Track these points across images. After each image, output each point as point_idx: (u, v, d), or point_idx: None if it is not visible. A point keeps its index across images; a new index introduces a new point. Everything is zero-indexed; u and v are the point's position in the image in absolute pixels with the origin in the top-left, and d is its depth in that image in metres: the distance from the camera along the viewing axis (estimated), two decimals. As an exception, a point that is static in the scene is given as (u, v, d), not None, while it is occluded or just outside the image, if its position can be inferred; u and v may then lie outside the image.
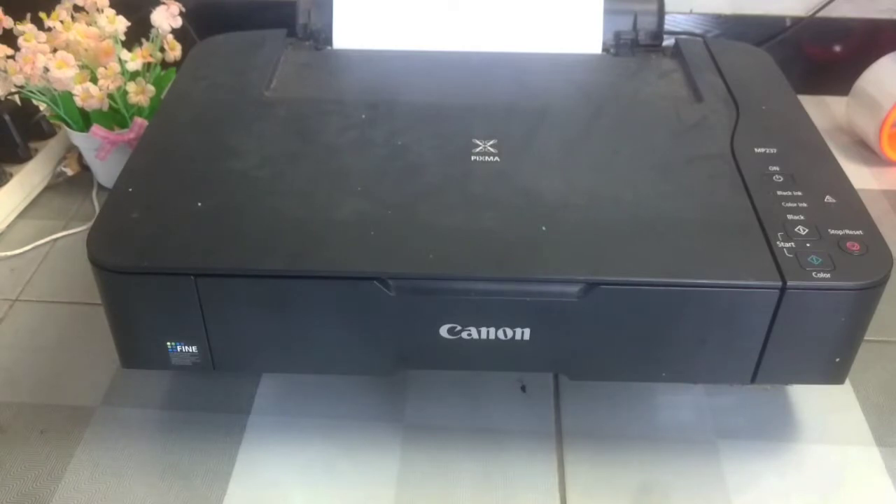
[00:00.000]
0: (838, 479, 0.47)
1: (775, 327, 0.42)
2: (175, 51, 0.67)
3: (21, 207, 0.69)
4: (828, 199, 0.46)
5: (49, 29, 0.63)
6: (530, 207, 0.45)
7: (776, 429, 0.50)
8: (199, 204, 0.45)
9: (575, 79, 0.60)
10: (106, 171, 0.70)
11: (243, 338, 0.44)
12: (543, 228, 0.43)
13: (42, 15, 0.63)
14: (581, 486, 0.46)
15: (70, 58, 0.61)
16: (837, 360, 0.44)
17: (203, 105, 0.56)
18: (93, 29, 0.63)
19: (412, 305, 0.42)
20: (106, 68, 0.63)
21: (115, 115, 0.66)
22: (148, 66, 0.67)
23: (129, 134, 0.66)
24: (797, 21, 0.84)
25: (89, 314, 0.58)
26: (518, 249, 0.42)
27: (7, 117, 0.69)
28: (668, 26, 0.68)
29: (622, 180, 0.47)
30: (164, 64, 0.68)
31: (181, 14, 0.66)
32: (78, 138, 0.68)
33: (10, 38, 0.62)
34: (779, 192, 0.46)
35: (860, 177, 0.73)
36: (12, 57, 0.62)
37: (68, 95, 0.64)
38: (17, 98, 0.71)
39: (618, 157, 0.50)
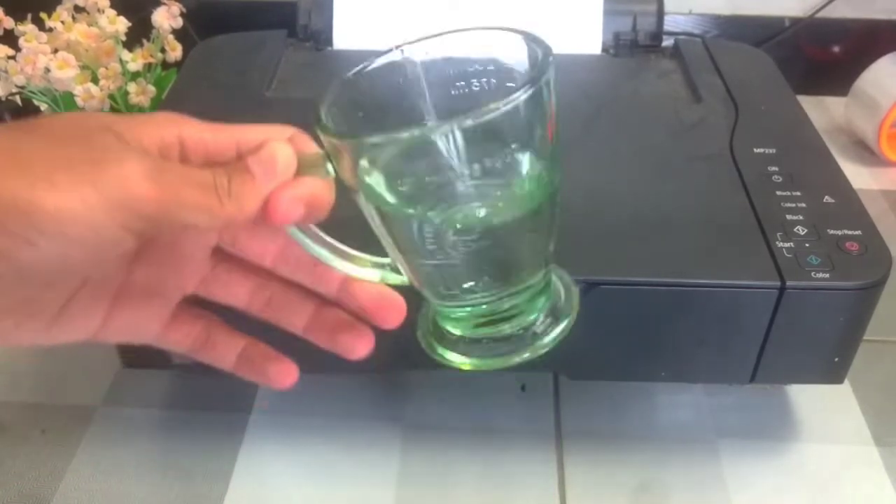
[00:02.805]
0: (837, 479, 0.47)
1: (774, 327, 0.42)
2: (176, 51, 0.67)
3: (22, 208, 0.69)
4: (827, 199, 0.46)
5: (50, 29, 0.63)
6: (530, 207, 0.45)
7: (775, 428, 0.50)
8: (200, 204, 0.45)
9: (574, 79, 0.60)
10: (106, 171, 0.70)
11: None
12: (543, 228, 0.43)
13: (43, 15, 0.63)
14: (581, 486, 0.46)
15: (71, 58, 0.61)
16: (836, 359, 0.44)
17: (204, 105, 0.55)
18: (94, 29, 0.64)
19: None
20: (107, 69, 0.63)
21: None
22: (149, 67, 0.67)
23: (130, 134, 0.66)
24: (796, 21, 0.84)
25: (90, 314, 0.58)
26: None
27: (8, 118, 0.69)
28: (667, 27, 0.68)
29: (621, 180, 0.48)
30: (165, 64, 0.68)
31: (182, 15, 0.66)
32: (79, 139, 0.68)
33: (11, 39, 0.62)
34: (778, 193, 0.46)
35: (859, 177, 0.73)
36: (13, 57, 0.62)
37: (69, 96, 0.64)
38: (18, 98, 0.71)
39: (617, 158, 0.50)
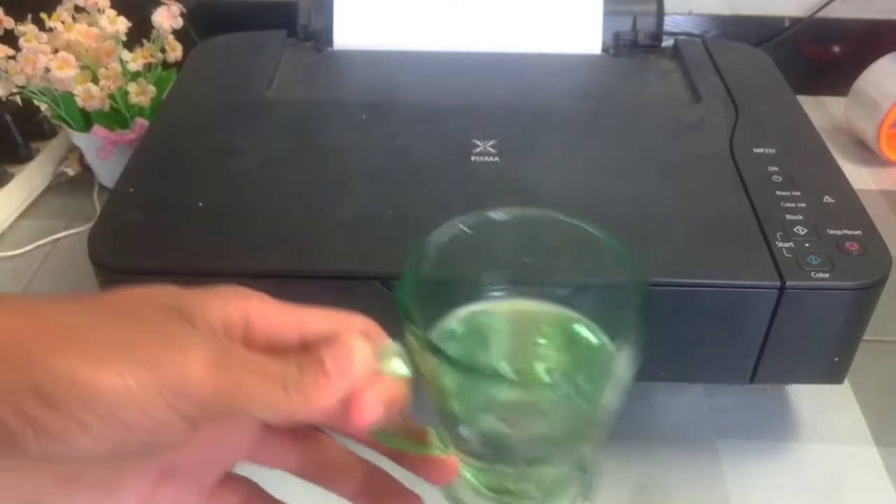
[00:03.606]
0: (837, 479, 0.47)
1: (774, 327, 0.42)
2: (176, 51, 0.67)
3: (22, 207, 0.70)
4: (826, 199, 0.46)
5: (50, 29, 0.63)
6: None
7: (775, 428, 0.50)
8: (200, 204, 0.45)
9: (574, 79, 0.60)
10: (107, 171, 0.70)
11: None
12: (543, 228, 0.43)
13: (43, 15, 0.63)
14: (581, 486, 0.46)
15: (71, 58, 0.61)
16: (836, 359, 0.44)
17: (204, 105, 0.56)
18: (94, 29, 0.64)
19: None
20: (107, 69, 0.63)
21: (116, 115, 0.66)
22: (149, 67, 0.67)
23: (130, 134, 0.66)
24: (796, 22, 0.84)
25: (90, 314, 0.58)
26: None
27: (8, 117, 0.69)
28: (667, 27, 0.68)
29: (621, 180, 0.48)
30: (165, 64, 0.68)
31: (182, 15, 0.66)
32: (79, 138, 0.68)
33: (11, 39, 0.62)
34: (777, 192, 0.46)
35: (859, 177, 0.73)
36: (13, 57, 0.62)
37: (69, 96, 0.64)
38: (18, 98, 0.71)
39: (617, 158, 0.50)
